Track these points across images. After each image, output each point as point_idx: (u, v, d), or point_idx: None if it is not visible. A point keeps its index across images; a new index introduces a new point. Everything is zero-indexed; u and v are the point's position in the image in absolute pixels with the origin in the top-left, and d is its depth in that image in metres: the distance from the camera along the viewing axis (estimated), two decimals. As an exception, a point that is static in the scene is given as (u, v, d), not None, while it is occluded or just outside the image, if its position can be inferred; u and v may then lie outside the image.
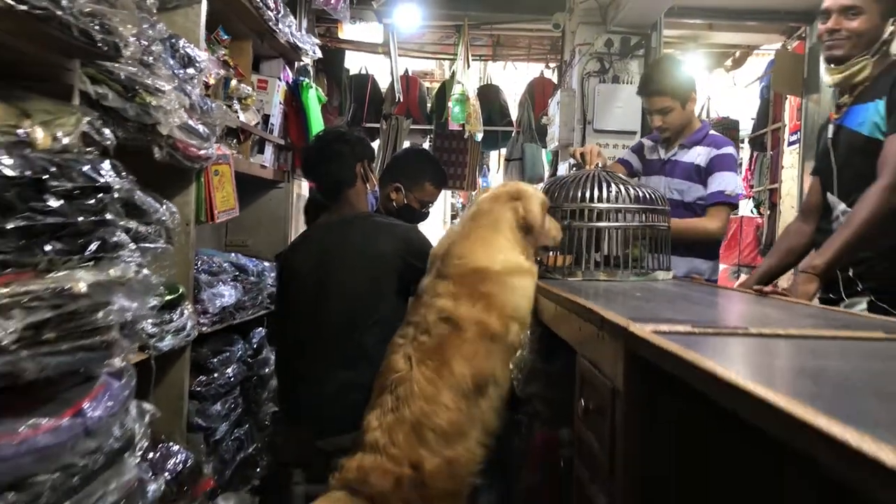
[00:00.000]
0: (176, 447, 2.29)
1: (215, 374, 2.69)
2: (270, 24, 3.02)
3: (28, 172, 1.09)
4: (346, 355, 2.15)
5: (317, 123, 3.73)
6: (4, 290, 1.06)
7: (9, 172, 1.04)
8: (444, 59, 6.34)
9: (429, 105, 6.26)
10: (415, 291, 1.94)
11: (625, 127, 4.09)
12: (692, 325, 1.03)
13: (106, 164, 1.36)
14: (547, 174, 6.61)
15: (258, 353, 3.14)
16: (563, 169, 4.65)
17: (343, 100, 5.54)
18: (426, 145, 6.01)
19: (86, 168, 1.25)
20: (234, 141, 2.98)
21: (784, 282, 2.72)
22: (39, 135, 1.20)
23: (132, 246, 1.45)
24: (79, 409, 1.31)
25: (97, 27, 1.36)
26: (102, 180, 1.30)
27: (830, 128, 2.17)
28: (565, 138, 4.31)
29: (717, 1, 4.09)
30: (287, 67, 3.66)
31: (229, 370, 2.81)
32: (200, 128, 2.23)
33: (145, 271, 1.45)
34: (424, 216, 2.87)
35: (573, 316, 1.42)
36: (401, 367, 1.71)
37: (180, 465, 2.26)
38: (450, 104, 5.07)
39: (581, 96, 4.17)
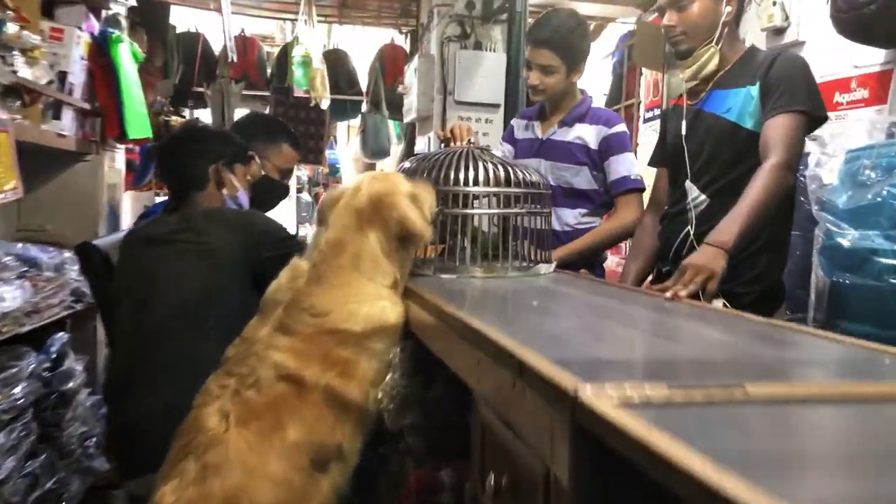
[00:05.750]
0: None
1: (-6, 400, 2.12)
2: (64, -44, 2.41)
3: None
4: (174, 367, 1.73)
5: (131, 84, 3.14)
6: None
7: None
8: (285, 19, 5.77)
9: (268, 70, 5.71)
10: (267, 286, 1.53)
11: (488, 99, 3.80)
12: (666, 384, 0.70)
13: None
14: (395, 148, 6.27)
15: (58, 364, 2.56)
16: (422, 144, 4.30)
17: (169, 60, 4.85)
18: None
19: None
20: (18, 103, 2.36)
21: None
22: None
23: None
24: None
25: None
26: None
27: (684, 113, 2.01)
28: (424, 109, 3.95)
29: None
30: (92, 16, 3.03)
31: (17, 390, 2.25)
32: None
33: None
34: (285, 190, 2.47)
35: (466, 345, 1.07)
36: (212, 425, 1.27)
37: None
38: (292, 67, 4.54)
39: (441, 63, 3.83)
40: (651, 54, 4.18)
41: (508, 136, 2.58)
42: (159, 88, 4.96)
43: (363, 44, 6.23)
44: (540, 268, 1.92)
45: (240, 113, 4.96)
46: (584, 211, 2.34)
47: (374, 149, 6.05)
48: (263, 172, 2.34)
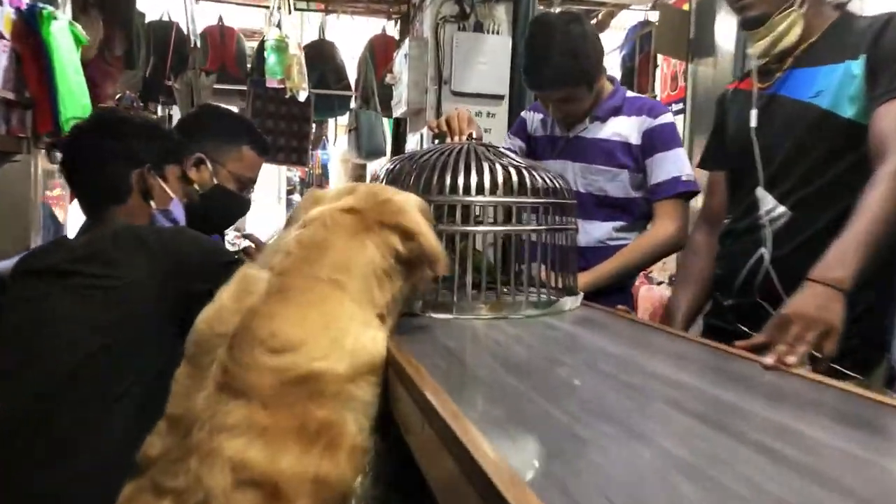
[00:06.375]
0: None
1: None
2: None
3: None
4: (69, 447, 1.26)
5: (68, 70, 2.66)
6: None
7: None
8: (262, 6, 5.29)
9: (249, 63, 5.24)
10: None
11: (490, 89, 3.34)
12: None
13: None
14: (389, 148, 5.78)
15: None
16: (413, 143, 3.83)
17: (134, 49, 4.36)
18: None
19: None
20: None
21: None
22: None
23: None
24: None
25: None
26: None
27: (753, 99, 1.55)
28: (416, 102, 3.49)
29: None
30: (18, -13, 2.55)
31: None
32: None
33: None
34: (245, 204, 1.91)
35: (461, 476, 0.59)
36: None
37: None
38: (265, 54, 4.05)
39: (435, 48, 3.37)
40: (674, 41, 3.75)
41: (519, 130, 2.10)
42: (124, 81, 4.48)
43: (353, 36, 5.77)
44: (564, 302, 1.45)
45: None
46: (619, 224, 1.88)
47: (368, 149, 5.53)
48: (216, 181, 1.82)
